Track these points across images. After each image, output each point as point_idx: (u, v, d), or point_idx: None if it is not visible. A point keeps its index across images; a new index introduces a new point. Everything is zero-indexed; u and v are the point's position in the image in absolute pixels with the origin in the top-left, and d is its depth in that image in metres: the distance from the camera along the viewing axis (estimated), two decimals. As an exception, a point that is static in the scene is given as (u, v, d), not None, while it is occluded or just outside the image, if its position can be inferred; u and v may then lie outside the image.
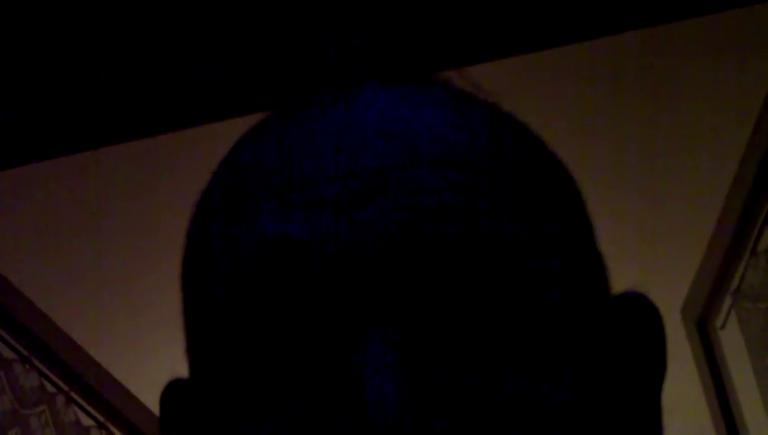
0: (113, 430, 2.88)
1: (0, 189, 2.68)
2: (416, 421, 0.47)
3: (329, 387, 0.49)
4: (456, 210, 0.49)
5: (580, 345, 0.51)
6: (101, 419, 2.84)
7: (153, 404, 2.93)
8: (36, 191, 2.80)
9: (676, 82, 2.71)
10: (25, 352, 2.59)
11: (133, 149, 2.50)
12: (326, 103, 0.53)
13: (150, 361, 2.67)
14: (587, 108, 2.73)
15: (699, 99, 2.75)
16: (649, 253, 3.08)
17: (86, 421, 2.80)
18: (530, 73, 2.55)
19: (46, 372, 2.67)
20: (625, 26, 2.29)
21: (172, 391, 0.59)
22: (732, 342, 2.66)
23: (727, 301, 2.63)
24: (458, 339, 0.49)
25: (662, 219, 3.09)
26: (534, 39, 2.24)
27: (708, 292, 2.72)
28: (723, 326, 2.68)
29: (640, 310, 0.57)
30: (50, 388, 2.68)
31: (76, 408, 2.76)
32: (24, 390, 2.57)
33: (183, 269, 0.56)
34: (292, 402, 0.49)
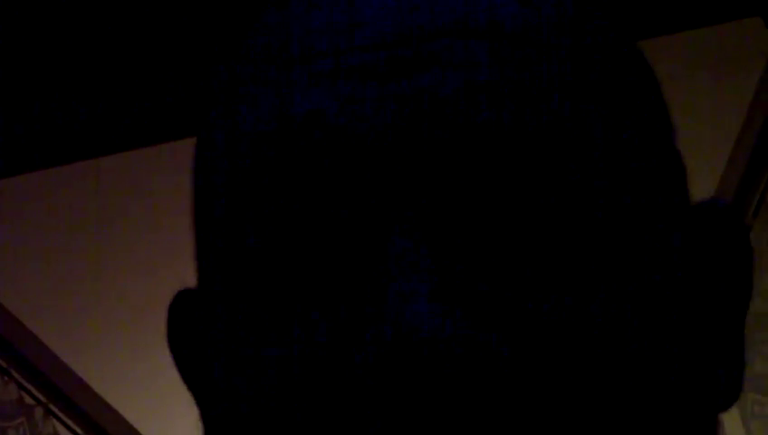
0: (92, 442, 2.87)
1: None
2: (447, 332, 0.38)
3: (349, 293, 0.41)
4: (516, 92, 0.41)
5: (652, 261, 0.43)
6: (80, 431, 2.83)
7: (132, 416, 2.92)
8: (16, 201, 2.79)
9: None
10: (4, 364, 2.57)
11: (133, 158, 2.49)
12: None
13: (130, 373, 2.65)
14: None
15: (680, 113, 2.76)
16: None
17: (64, 434, 2.79)
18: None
19: (25, 384, 2.65)
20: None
21: (180, 301, 0.50)
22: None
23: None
24: (509, 245, 0.41)
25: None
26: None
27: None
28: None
29: (724, 222, 0.49)
30: (29, 400, 2.67)
31: (55, 420, 2.75)
32: (3, 402, 2.56)
33: (197, 158, 0.47)
34: (308, 312, 0.41)
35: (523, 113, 0.41)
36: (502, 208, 0.41)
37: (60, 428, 2.77)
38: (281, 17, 0.45)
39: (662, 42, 2.43)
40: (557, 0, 0.45)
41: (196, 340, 0.47)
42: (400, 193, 0.41)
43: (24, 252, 2.93)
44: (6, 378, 2.58)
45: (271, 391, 0.41)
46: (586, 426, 0.40)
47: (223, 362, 0.43)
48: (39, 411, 2.69)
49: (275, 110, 0.43)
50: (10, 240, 2.89)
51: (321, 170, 0.41)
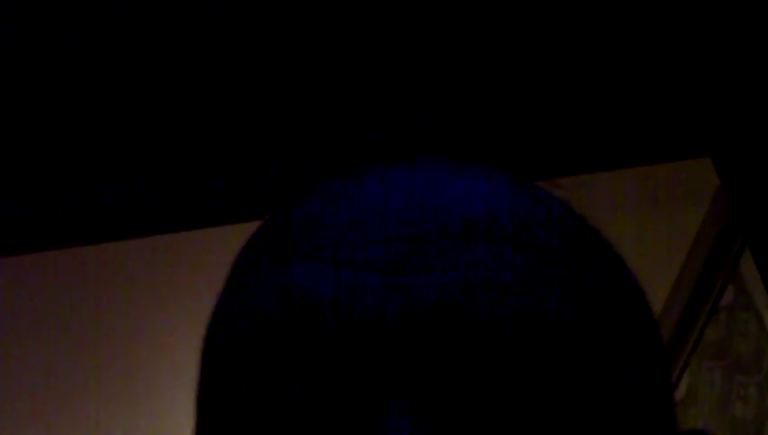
0: None
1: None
2: None
3: None
4: (508, 291, 0.45)
5: None
6: None
7: None
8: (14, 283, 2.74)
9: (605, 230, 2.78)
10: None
11: (136, 247, 2.50)
12: (382, 171, 0.51)
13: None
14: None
15: (624, 245, 2.83)
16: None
17: None
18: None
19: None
20: (550, 174, 2.35)
21: None
22: None
23: None
24: (495, 431, 0.44)
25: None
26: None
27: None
28: None
29: None
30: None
31: None
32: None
33: (206, 333, 0.52)
34: None
35: (517, 311, 0.45)
36: (493, 398, 0.45)
37: None
38: (305, 211, 0.50)
39: (611, 176, 2.51)
40: (547, 208, 0.50)
41: None
42: (397, 374, 0.44)
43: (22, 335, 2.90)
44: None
45: None
46: None
47: None
48: None
49: (281, 294, 0.47)
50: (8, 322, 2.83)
51: (321, 350, 0.45)
